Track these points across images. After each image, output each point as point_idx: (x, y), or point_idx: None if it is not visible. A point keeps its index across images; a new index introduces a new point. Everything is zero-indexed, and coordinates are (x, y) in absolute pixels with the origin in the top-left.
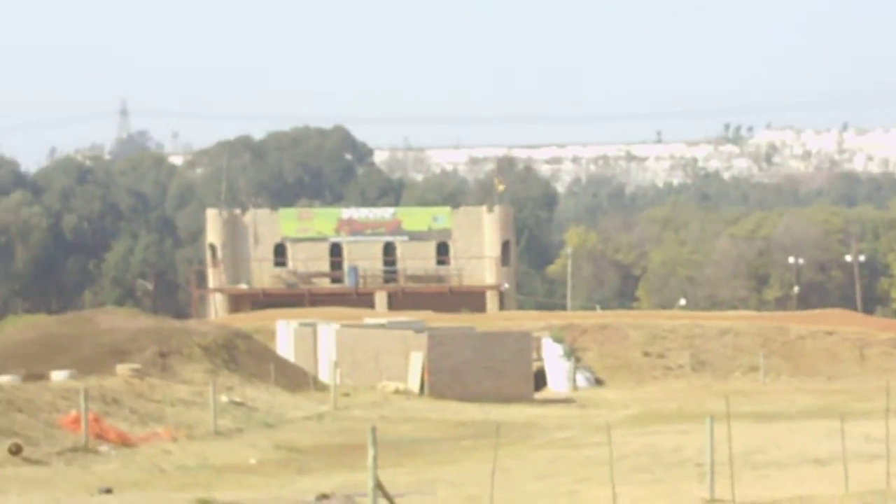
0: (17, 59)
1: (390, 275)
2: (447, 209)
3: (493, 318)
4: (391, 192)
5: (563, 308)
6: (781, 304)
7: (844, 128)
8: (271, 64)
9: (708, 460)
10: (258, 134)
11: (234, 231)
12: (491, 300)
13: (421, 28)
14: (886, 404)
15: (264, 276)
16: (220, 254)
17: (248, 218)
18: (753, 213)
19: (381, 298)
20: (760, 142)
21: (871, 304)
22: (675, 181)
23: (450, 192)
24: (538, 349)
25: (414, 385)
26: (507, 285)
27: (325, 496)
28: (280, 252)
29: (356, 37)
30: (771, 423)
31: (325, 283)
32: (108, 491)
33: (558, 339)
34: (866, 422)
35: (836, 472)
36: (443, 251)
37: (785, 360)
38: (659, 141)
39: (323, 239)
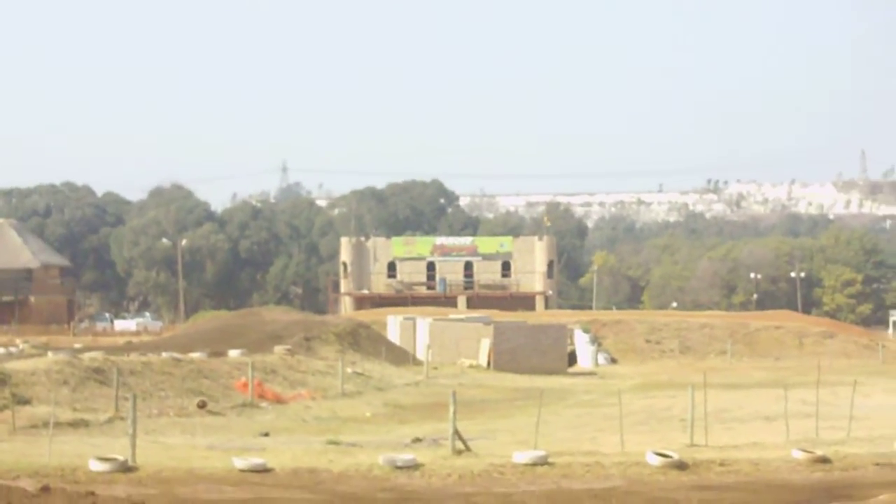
0: (216, 128)
1: (469, 284)
2: (510, 238)
3: (540, 315)
4: (470, 226)
5: (590, 308)
6: (744, 306)
7: (792, 182)
8: (391, 132)
9: (689, 416)
10: (379, 185)
11: (359, 253)
12: (539, 302)
13: (493, 108)
14: (817, 378)
15: (380, 284)
16: (349, 269)
17: (370, 244)
18: (726, 242)
19: (461, 301)
20: (732, 192)
21: (808, 307)
22: (672, 219)
23: (512, 227)
24: (571, 337)
25: (483, 362)
26: (550, 292)
27: (418, 439)
28: (391, 268)
29: (449, 115)
30: (734, 391)
31: (422, 290)
32: (266, 434)
33: (586, 330)
34: (803, 390)
35: (780, 426)
36: (506, 268)
37: (746, 346)
38: (660, 191)
39: (422, 258)
